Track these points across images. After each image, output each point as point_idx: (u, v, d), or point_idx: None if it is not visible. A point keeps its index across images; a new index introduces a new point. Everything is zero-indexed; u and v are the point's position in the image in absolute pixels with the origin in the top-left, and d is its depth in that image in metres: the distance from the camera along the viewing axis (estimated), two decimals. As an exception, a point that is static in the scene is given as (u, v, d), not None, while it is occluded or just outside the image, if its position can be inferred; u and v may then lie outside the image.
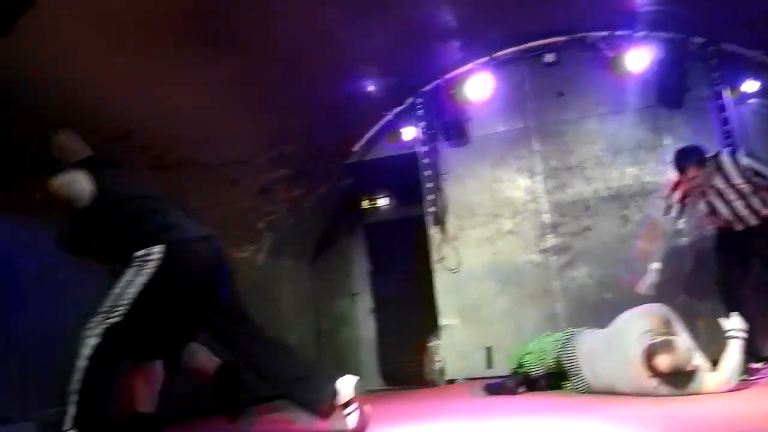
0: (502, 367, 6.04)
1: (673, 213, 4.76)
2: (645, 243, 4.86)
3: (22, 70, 3.61)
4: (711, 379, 3.63)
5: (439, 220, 6.44)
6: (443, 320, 6.36)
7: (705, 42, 5.59)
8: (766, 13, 4.85)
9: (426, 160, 6.45)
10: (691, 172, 4.48)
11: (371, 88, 6.16)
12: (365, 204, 7.88)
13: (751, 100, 5.54)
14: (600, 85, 6.07)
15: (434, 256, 6.46)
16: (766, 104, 5.61)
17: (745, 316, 4.27)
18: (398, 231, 7.63)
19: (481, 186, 6.39)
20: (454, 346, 6.28)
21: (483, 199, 6.38)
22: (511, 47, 6.20)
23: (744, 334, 3.75)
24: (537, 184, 6.22)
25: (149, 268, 3.02)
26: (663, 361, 3.58)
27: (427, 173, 6.44)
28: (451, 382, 6.21)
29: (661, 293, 4.67)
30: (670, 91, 5.74)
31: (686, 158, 4.53)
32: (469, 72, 6.24)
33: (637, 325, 3.85)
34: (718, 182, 4.54)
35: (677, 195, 4.69)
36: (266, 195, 6.24)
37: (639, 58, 5.70)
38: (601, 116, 6.08)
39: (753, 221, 4.59)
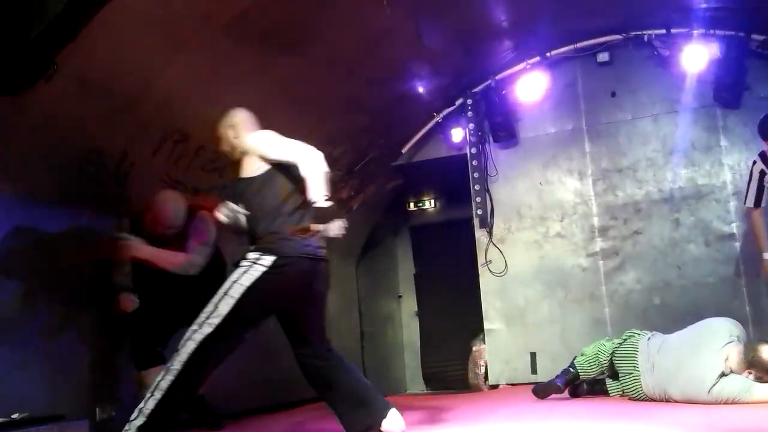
0: (547, 373, 5.92)
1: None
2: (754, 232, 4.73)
3: (87, 78, 3.73)
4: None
5: (486, 223, 6.34)
6: (488, 324, 6.25)
7: (766, 39, 5.36)
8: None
9: (474, 162, 6.37)
10: None
11: (422, 89, 6.14)
12: (412, 206, 7.85)
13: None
14: (654, 84, 5.89)
15: (480, 259, 6.36)
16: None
17: None
18: (445, 233, 7.58)
19: (529, 188, 6.27)
20: (498, 350, 6.16)
21: (531, 201, 6.26)
22: (563, 46, 6.08)
23: None
24: (587, 186, 6.07)
25: (257, 273, 3.00)
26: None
27: (475, 175, 6.36)
28: (494, 387, 6.10)
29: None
30: (727, 90, 5.52)
31: None
32: (521, 72, 6.16)
33: (723, 328, 3.73)
34: None
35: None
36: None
37: (696, 57, 5.52)
38: (654, 116, 5.89)
39: None
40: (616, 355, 4.17)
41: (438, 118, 6.51)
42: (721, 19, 5.36)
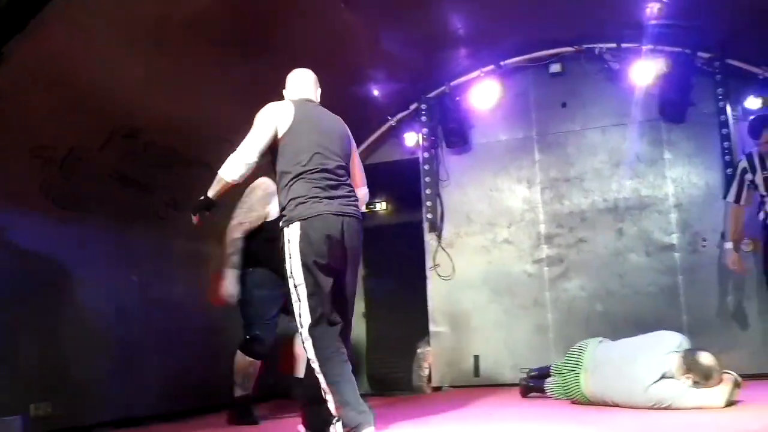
0: (489, 376, 6.01)
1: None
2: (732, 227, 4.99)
3: (38, 71, 3.67)
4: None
5: (436, 227, 6.40)
6: (433, 327, 6.31)
7: (711, 57, 5.55)
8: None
9: (426, 167, 6.42)
10: (766, 135, 4.61)
11: (378, 92, 6.16)
12: (363, 208, 7.85)
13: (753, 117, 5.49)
14: (604, 96, 6.04)
15: (429, 262, 6.41)
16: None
17: None
18: (395, 236, 7.58)
19: (480, 194, 6.36)
20: (443, 353, 6.22)
21: (481, 207, 6.34)
22: (517, 56, 6.19)
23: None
24: (535, 194, 6.17)
25: (295, 247, 3.09)
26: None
27: (426, 179, 6.41)
28: (437, 389, 6.15)
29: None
30: (672, 105, 5.69)
31: (762, 121, 4.69)
32: (475, 79, 6.24)
33: (672, 339, 3.84)
34: None
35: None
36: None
37: (644, 72, 5.68)
38: (603, 128, 6.04)
39: None
40: (565, 354, 4.26)
41: (392, 122, 6.56)
42: (670, 35, 5.53)
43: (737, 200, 4.88)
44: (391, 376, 6.78)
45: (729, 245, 4.96)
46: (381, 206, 7.83)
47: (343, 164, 3.32)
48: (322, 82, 3.70)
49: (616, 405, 3.80)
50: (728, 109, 5.55)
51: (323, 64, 5.14)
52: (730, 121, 5.54)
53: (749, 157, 4.79)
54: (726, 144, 5.52)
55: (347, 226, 3.16)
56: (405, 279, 7.27)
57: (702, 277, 5.61)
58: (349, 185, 3.31)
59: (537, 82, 6.25)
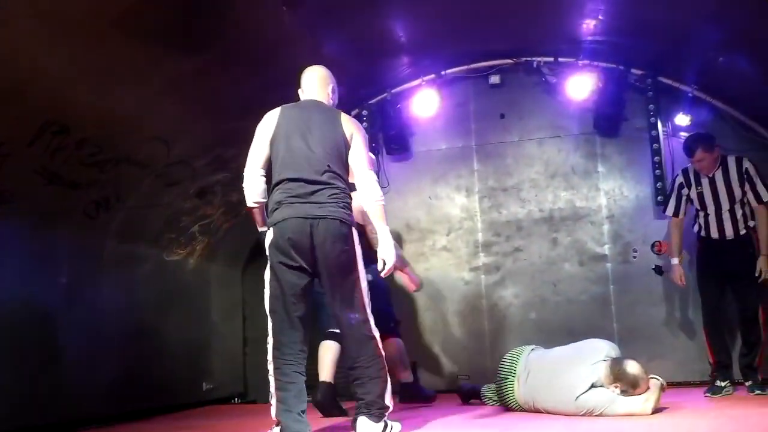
0: (426, 382, 6.03)
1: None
2: (674, 239, 5.08)
3: None
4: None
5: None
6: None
7: (643, 74, 5.74)
8: (704, 48, 5.02)
9: (367, 172, 6.42)
10: (699, 154, 4.70)
11: (318, 97, 6.12)
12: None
13: (683, 134, 5.70)
14: (541, 109, 6.18)
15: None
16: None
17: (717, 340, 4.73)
18: (334, 241, 7.58)
19: (419, 201, 6.41)
20: (380, 359, 6.21)
21: (420, 214, 6.39)
22: (458, 66, 6.26)
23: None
24: (473, 203, 6.26)
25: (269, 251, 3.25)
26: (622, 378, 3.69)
27: (367, 185, 6.41)
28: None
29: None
30: (606, 120, 5.88)
31: (695, 141, 4.77)
32: (417, 88, 6.28)
33: (603, 347, 3.92)
34: (718, 178, 4.74)
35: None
36: (203, 198, 6.12)
37: (580, 86, 5.84)
38: (540, 140, 6.18)
39: (730, 233, 4.74)
40: (500, 362, 4.32)
41: (333, 127, 6.51)
42: (604, 52, 5.70)
43: (676, 213, 5.01)
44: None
45: (675, 261, 5.05)
46: (321, 211, 7.79)
47: (327, 167, 3.25)
48: (259, 84, 3.63)
49: (548, 412, 3.88)
50: (659, 124, 5.77)
51: (259, 63, 5.13)
52: (661, 136, 5.76)
53: (685, 173, 4.94)
54: (656, 159, 5.73)
55: (318, 227, 3.14)
56: (344, 284, 7.25)
57: (632, 287, 5.81)
58: (334, 187, 3.24)
59: (477, 92, 6.34)
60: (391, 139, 6.40)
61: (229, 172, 6.16)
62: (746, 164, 4.71)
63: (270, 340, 3.22)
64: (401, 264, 4.60)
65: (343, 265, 3.20)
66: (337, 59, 5.59)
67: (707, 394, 4.53)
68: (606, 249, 5.91)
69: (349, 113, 6.38)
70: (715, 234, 4.78)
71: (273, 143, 3.36)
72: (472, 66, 6.25)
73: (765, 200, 4.64)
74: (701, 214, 4.86)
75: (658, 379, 3.72)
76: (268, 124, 3.43)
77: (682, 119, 5.65)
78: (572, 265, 5.95)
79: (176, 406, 5.60)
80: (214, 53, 4.70)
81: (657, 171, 5.72)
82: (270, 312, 3.22)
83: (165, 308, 6.01)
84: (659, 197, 5.72)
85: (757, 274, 4.59)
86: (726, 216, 4.73)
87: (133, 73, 4.41)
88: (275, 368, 3.19)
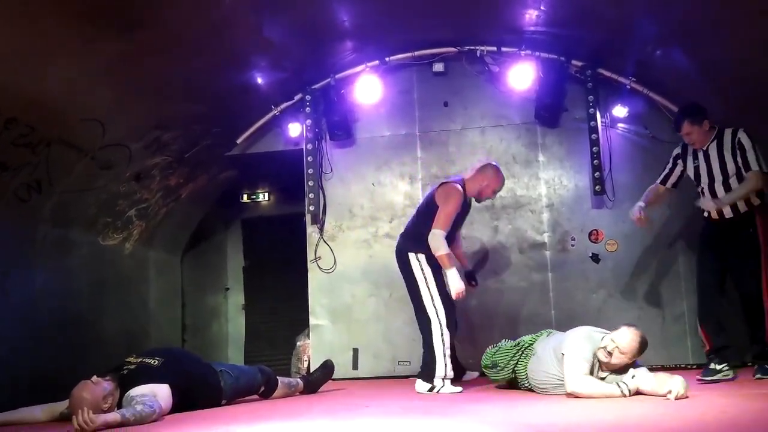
0: (368, 369, 6.07)
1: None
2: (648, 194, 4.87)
3: None
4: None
5: (318, 219, 6.37)
6: (314, 320, 6.29)
7: (583, 65, 5.84)
8: (642, 41, 5.14)
9: (310, 158, 6.37)
10: (685, 127, 4.52)
11: (261, 80, 6.04)
12: (245, 198, 7.73)
13: (620, 125, 5.84)
14: (483, 98, 6.23)
15: (310, 255, 6.38)
16: (631, 129, 5.92)
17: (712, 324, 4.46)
18: (276, 228, 7.54)
19: (362, 188, 6.39)
20: (322, 346, 6.21)
21: (363, 201, 6.37)
22: (402, 53, 6.24)
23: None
24: (416, 190, 6.27)
25: None
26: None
27: (309, 171, 6.36)
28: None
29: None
30: (547, 110, 5.96)
31: (680, 114, 4.62)
32: (360, 73, 6.24)
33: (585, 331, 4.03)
34: (712, 151, 4.53)
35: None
36: (140, 182, 5.97)
37: (522, 76, 5.91)
38: (482, 129, 6.23)
39: (728, 211, 4.48)
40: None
41: (276, 111, 6.43)
42: (546, 42, 5.78)
43: (663, 181, 4.83)
44: (269, 369, 6.72)
45: (640, 203, 4.78)
46: (263, 197, 7.74)
47: (415, 213, 4.99)
48: (199, 67, 3.55)
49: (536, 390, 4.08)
50: (598, 116, 5.88)
51: (199, 45, 5.01)
52: (599, 127, 5.88)
53: (684, 145, 4.72)
54: (594, 149, 5.85)
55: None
56: (286, 271, 7.24)
57: (570, 274, 5.93)
58: (409, 226, 4.99)
59: (421, 80, 6.34)
60: (334, 125, 6.35)
61: (168, 155, 6.03)
62: (740, 135, 4.46)
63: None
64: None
65: (408, 278, 4.90)
66: (279, 42, 5.53)
67: (700, 378, 4.30)
68: (545, 237, 6.02)
69: (292, 98, 6.40)
70: (713, 213, 4.55)
71: None
72: (417, 53, 6.24)
73: (753, 168, 4.37)
74: (698, 190, 4.66)
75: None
76: None
77: (619, 111, 5.78)
78: (513, 253, 6.04)
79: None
80: (150, 35, 4.56)
81: (595, 161, 5.84)
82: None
83: (101, 295, 5.88)
84: (597, 187, 5.85)
85: (699, 206, 4.52)
86: (720, 191, 4.50)
87: (65, 53, 4.26)
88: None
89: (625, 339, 3.76)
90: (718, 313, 4.52)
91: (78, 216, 5.49)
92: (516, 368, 4.31)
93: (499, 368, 4.41)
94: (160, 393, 3.68)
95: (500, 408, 3.71)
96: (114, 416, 3.35)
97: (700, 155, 4.60)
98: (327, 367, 5.12)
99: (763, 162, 4.39)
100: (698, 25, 4.58)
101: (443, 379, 4.58)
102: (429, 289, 4.72)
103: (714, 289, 4.53)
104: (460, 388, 4.60)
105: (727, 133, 4.51)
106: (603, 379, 3.83)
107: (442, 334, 4.61)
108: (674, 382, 3.51)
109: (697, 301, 4.64)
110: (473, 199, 4.95)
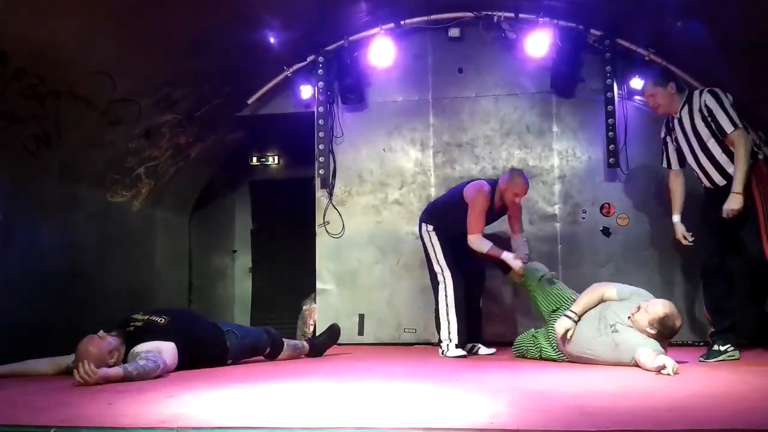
0: (373, 335, 6.08)
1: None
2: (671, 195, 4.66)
3: None
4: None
5: (327, 184, 6.33)
6: (320, 284, 6.28)
7: (602, 35, 5.72)
8: (662, 12, 5.02)
9: (321, 121, 6.30)
10: (647, 89, 4.46)
11: (273, 40, 5.94)
12: (255, 160, 7.68)
13: (637, 97, 5.73)
14: (499, 65, 6.13)
15: (319, 219, 6.35)
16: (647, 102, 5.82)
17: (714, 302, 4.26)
18: (285, 191, 7.49)
19: (373, 153, 6.33)
20: (328, 310, 6.20)
21: (373, 167, 6.32)
22: (418, 17, 6.13)
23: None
24: (427, 158, 6.22)
25: None
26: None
27: (320, 134, 6.30)
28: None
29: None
30: (563, 79, 5.86)
31: (647, 77, 4.53)
32: (375, 36, 6.12)
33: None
34: (684, 116, 4.31)
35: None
36: (149, 139, 5.93)
37: (538, 44, 5.79)
38: (496, 97, 6.13)
39: (719, 179, 4.23)
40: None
41: (288, 72, 6.34)
42: (564, 10, 5.66)
43: (668, 165, 4.61)
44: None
45: (675, 218, 4.59)
46: (272, 160, 7.69)
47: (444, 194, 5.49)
48: (209, 22, 3.46)
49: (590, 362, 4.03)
50: (615, 87, 5.78)
51: (205, 3, 4.92)
52: (616, 99, 5.78)
53: (666, 122, 4.54)
54: (610, 121, 5.76)
55: None
56: (294, 235, 7.21)
57: (579, 247, 5.89)
58: (432, 202, 5.54)
59: (435, 45, 6.24)
60: (346, 89, 6.26)
61: (178, 113, 5.98)
62: (705, 97, 4.18)
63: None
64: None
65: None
66: (292, 1, 5.43)
67: (703, 359, 4.15)
68: (556, 209, 5.96)
69: (304, 59, 6.32)
70: (705, 182, 4.34)
71: None
72: (432, 17, 6.12)
73: (729, 132, 4.08)
74: (694, 172, 4.40)
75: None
76: None
77: (636, 83, 5.66)
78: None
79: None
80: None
81: (610, 133, 5.76)
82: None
83: (107, 251, 5.87)
84: (611, 159, 5.78)
85: (724, 215, 4.08)
86: (703, 159, 4.26)
87: (73, 4, 4.18)
88: None
89: (655, 305, 3.77)
90: (721, 294, 4.29)
91: (86, 172, 5.46)
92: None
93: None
94: (166, 350, 3.69)
95: (503, 375, 3.69)
96: (116, 370, 3.36)
97: (677, 125, 4.39)
98: (333, 331, 5.13)
99: (736, 118, 4.10)
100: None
101: (448, 342, 4.82)
102: (436, 255, 4.98)
103: (716, 270, 4.28)
104: (463, 352, 4.80)
105: (696, 95, 4.27)
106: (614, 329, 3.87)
107: (446, 297, 4.88)
108: (667, 359, 3.45)
109: (702, 283, 4.45)
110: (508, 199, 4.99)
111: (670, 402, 2.62)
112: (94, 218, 5.68)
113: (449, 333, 4.83)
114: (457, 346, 4.79)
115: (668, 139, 4.56)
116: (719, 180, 4.24)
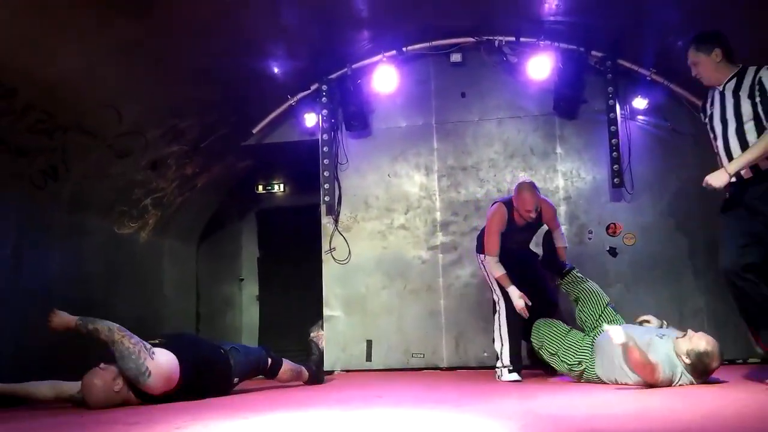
0: (381, 361, 6.04)
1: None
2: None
3: None
4: None
5: (333, 210, 6.35)
6: (328, 311, 6.27)
7: (603, 56, 5.76)
8: (663, 31, 5.04)
9: (325, 149, 6.34)
10: (690, 55, 3.79)
11: (277, 69, 6.01)
12: (261, 188, 7.72)
13: (640, 117, 5.74)
14: (501, 88, 6.18)
15: (325, 246, 6.35)
16: (651, 121, 5.84)
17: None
18: (291, 218, 7.53)
19: (378, 179, 6.36)
20: (336, 337, 6.19)
21: (379, 192, 6.34)
22: (419, 43, 6.19)
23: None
24: (432, 182, 6.24)
25: None
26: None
27: (325, 162, 6.34)
28: (329, 373, 6.11)
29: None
30: (565, 101, 5.90)
31: (691, 41, 3.82)
32: (377, 63, 6.19)
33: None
34: (728, 91, 3.68)
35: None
36: (156, 170, 5.98)
37: (540, 66, 5.84)
38: (499, 120, 6.17)
39: (745, 172, 3.57)
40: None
41: (292, 101, 6.41)
42: (565, 32, 5.70)
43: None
44: (282, 360, 6.72)
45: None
46: (278, 187, 7.73)
47: None
48: (214, 51, 3.52)
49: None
50: (617, 107, 5.80)
51: (215, 31, 4.98)
52: (619, 119, 5.80)
53: (704, 98, 3.93)
54: (614, 141, 5.78)
55: None
56: (300, 262, 7.22)
57: (587, 268, 5.83)
58: None
59: (438, 70, 6.30)
60: (350, 116, 6.32)
61: (184, 144, 6.03)
62: (762, 73, 3.55)
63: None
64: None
65: None
66: (295, 30, 5.50)
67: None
68: (562, 230, 5.93)
69: (308, 88, 6.37)
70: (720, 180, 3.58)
71: None
72: (434, 43, 6.19)
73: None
74: (716, 153, 3.79)
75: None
76: None
77: (639, 102, 5.70)
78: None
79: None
80: (163, 19, 4.56)
81: (614, 153, 5.77)
82: None
83: (115, 280, 5.88)
84: (615, 180, 5.78)
85: (703, 185, 3.60)
86: (733, 140, 3.62)
87: (81, 38, 4.26)
88: None
89: (700, 338, 3.74)
90: (756, 309, 3.57)
91: (94, 203, 5.50)
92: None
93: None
94: (160, 352, 3.71)
95: (516, 400, 3.66)
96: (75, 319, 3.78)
97: (716, 99, 3.75)
98: (316, 355, 5.24)
99: None
100: (719, 14, 4.49)
101: (502, 367, 4.86)
102: (491, 282, 5.00)
103: (738, 265, 3.50)
104: (518, 377, 4.79)
105: (750, 71, 3.63)
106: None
107: (500, 325, 4.89)
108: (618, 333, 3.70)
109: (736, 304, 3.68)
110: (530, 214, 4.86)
111: (684, 424, 2.59)
112: (102, 248, 5.70)
113: (502, 360, 4.85)
114: (510, 371, 4.81)
115: (702, 116, 3.95)
116: (745, 171, 3.58)
